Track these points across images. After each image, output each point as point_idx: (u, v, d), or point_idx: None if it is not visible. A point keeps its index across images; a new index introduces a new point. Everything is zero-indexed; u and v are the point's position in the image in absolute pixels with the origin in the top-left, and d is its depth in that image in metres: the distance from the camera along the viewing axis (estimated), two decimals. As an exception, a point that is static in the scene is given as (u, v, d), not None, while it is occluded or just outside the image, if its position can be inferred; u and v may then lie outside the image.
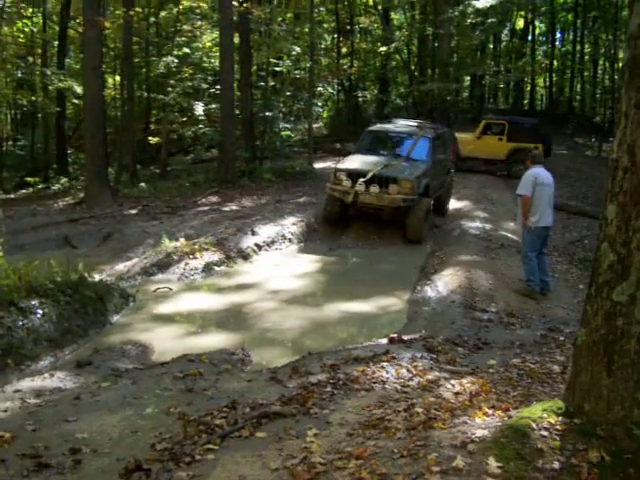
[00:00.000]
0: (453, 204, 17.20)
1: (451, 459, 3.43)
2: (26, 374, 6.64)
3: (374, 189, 13.75)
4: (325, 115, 37.16)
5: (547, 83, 42.80)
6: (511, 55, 37.95)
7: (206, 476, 3.70)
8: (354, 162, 14.81)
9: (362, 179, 13.81)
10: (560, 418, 3.52)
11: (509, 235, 13.86)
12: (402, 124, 16.82)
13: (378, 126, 16.95)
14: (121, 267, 11.29)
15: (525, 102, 44.47)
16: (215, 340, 8.19)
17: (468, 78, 39.37)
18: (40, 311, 7.63)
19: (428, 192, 14.43)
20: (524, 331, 8.14)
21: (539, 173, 9.83)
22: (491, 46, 41.04)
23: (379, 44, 31.89)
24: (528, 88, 44.46)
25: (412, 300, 10.06)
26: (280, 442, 4.14)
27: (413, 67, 34.90)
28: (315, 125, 31.23)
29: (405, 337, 7.49)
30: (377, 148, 15.63)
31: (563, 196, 17.45)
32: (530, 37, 41.19)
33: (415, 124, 16.69)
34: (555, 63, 40.82)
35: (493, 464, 3.32)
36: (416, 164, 14.46)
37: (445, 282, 10.31)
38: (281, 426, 4.46)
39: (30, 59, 26.58)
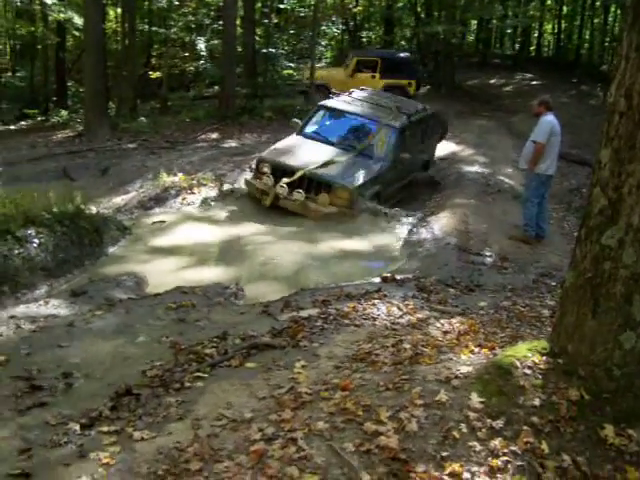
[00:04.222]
0: (452, 148, 17.10)
1: (435, 393, 3.50)
2: (21, 301, 6.69)
3: (298, 195, 10.69)
4: (328, 55, 36.70)
5: (555, 29, 42.09)
6: (520, -1, 37.24)
7: (194, 402, 3.78)
8: (286, 152, 11.62)
9: (285, 179, 10.80)
10: (544, 358, 3.57)
11: (507, 180, 13.83)
12: (372, 100, 13.11)
13: (336, 101, 13.04)
14: (118, 200, 11.32)
15: (532, 48, 43.87)
16: (210, 274, 8.22)
17: (475, 22, 38.81)
18: (36, 241, 7.66)
19: (379, 201, 11.29)
20: (516, 275, 8.20)
21: (554, 122, 9.77)
22: (500, -11, 40.20)
23: (386, -18, 31.41)
24: (535, 34, 43.79)
25: (408, 241, 10.08)
26: (268, 372, 4.21)
27: (419, 8, 34.32)
28: (318, 65, 30.90)
29: (398, 277, 7.55)
30: (326, 133, 12.19)
31: (565, 144, 17.33)
32: (540, -19, 40.33)
33: (388, 103, 12.93)
34: (565, 9, 40.14)
35: (475, 399, 3.40)
36: (368, 164, 11.41)
37: (441, 225, 10.31)
38: (270, 357, 4.53)
39: (30, -13, 26.11)
